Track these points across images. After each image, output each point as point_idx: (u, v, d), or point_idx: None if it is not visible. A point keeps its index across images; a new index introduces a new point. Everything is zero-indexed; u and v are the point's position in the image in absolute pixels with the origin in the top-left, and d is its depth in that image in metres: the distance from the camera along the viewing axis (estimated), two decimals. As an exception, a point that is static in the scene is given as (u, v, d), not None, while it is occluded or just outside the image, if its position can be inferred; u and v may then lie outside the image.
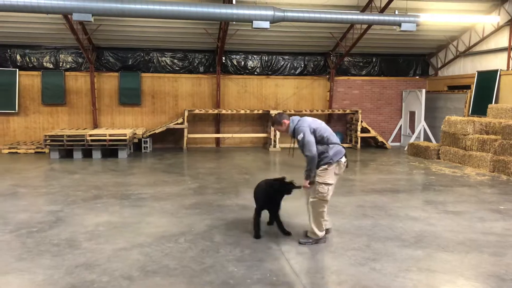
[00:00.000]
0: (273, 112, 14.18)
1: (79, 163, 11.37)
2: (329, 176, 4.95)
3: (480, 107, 12.95)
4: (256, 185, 5.79)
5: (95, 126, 14.24)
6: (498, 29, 12.62)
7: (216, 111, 14.40)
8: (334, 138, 5.06)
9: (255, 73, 15.24)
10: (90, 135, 12.06)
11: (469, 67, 14.11)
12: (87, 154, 12.27)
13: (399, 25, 10.54)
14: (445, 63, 15.28)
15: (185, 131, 14.04)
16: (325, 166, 4.94)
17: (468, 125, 11.36)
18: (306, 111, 14.90)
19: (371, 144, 15.53)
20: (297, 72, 15.50)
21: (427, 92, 15.34)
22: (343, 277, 4.26)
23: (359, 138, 14.83)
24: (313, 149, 4.89)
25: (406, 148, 14.08)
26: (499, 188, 8.56)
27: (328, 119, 15.81)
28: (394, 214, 6.61)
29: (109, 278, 4.18)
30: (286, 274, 4.32)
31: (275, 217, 5.51)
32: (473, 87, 13.52)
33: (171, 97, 14.83)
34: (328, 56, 15.38)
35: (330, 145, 4.96)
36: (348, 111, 15.12)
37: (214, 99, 14.90)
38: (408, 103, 15.92)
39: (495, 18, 12.07)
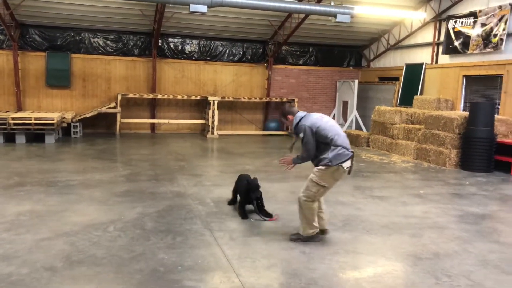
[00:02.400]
0: (212, 99, 14.08)
1: (0, 148, 10.57)
2: (324, 178, 4.67)
3: (407, 98, 13.72)
4: (238, 179, 6.18)
5: (19, 109, 13.30)
6: (424, 24, 13.39)
7: (151, 96, 14.02)
8: (340, 139, 4.68)
9: (193, 58, 14.99)
10: (13, 119, 11.24)
11: (398, 60, 14.87)
12: (10, 139, 11.44)
13: (335, 16, 10.82)
14: (376, 55, 15.97)
15: (118, 115, 13.55)
16: (323, 168, 4.65)
17: (396, 115, 12.01)
18: (244, 98, 14.96)
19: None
20: (236, 59, 15.45)
21: (359, 82, 15.97)
22: (273, 261, 4.35)
23: (295, 126, 15.11)
24: (311, 151, 4.69)
25: (339, 136, 14.59)
26: (420, 174, 9.17)
27: (266, 107, 15.99)
28: (325, 199, 6.82)
29: (29, 270, 3.94)
30: (218, 259, 4.34)
31: (256, 206, 5.78)
32: (401, 79, 14.29)
33: (104, 80, 14.19)
34: (267, 44, 15.48)
35: (332, 147, 4.62)
36: (285, 100, 15.38)
37: (149, 83, 14.47)
38: (342, 93, 16.49)
39: (422, 14, 12.78)
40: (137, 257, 4.30)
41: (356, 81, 15.62)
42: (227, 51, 15.31)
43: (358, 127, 15.51)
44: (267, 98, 15.38)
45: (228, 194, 6.49)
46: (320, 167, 4.67)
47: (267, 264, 4.28)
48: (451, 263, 4.40)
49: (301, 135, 4.72)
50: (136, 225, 5.27)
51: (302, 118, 4.81)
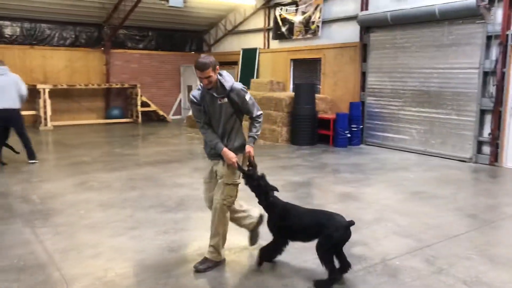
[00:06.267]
0: (42, 87, 12.83)
1: None
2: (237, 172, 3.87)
3: (245, 81, 14.49)
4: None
5: None
6: (256, 11, 14.27)
7: (-35, 86, 12.13)
8: None
9: (16, 42, 13.40)
10: None
11: (236, 45, 15.58)
12: None
13: (167, 0, 10.81)
14: (216, 40, 16.48)
15: None
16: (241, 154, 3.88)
17: (234, 97, 12.64)
18: (80, 85, 14.01)
19: (153, 119, 15.71)
20: (67, 43, 14.31)
21: (202, 67, 16.25)
22: (100, 249, 4.30)
23: (139, 113, 14.82)
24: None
25: (185, 121, 14.80)
26: (256, 151, 9.79)
27: (107, 94, 15.25)
28: (162, 183, 6.94)
29: None
30: (38, 256, 4.11)
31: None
32: (239, 63, 15.06)
33: None
34: (102, 28, 14.68)
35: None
36: (126, 85, 14.88)
37: (-39, 71, 12.48)
38: (186, 77, 16.65)
39: (252, 1, 13.56)
40: None
41: (198, 65, 15.88)
42: (57, 35, 14.06)
43: (203, 111, 15.87)
44: (107, 84, 14.67)
45: (59, 188, 6.09)
46: (239, 154, 3.87)
47: (93, 253, 4.21)
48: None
49: (248, 96, 3.82)
50: None
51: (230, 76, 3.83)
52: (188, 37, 16.89)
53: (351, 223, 3.59)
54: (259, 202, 3.89)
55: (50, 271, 3.80)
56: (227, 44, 16.10)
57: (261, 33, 14.28)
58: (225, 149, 3.76)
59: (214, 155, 3.87)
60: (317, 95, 11.22)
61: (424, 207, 5.85)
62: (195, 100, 3.83)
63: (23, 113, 13.23)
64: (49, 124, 13.02)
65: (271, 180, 6.80)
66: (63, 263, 3.96)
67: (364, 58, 10.86)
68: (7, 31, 13.23)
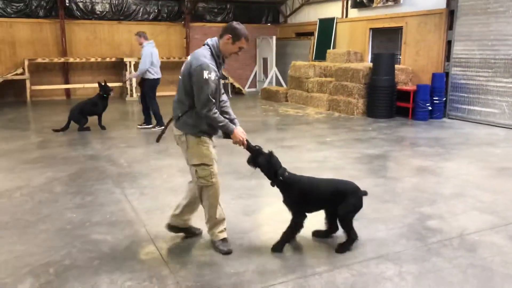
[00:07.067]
0: (128, 60, 13.67)
1: None
2: None
3: (321, 52, 14.25)
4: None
5: None
6: (334, -21, 13.82)
7: (62, 60, 13.33)
8: None
9: (105, 18, 14.33)
10: None
11: (312, 15, 15.27)
12: None
13: (244, -29, 10.84)
14: (292, 10, 16.27)
15: (27, 82, 12.79)
16: None
17: (310, 69, 12.53)
18: (162, 58, 14.66)
19: (229, 91, 16.07)
20: (151, 18, 15.01)
21: (278, 39, 16.26)
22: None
23: (216, 85, 15.23)
24: None
25: (260, 93, 14.99)
26: (330, 124, 9.82)
27: (186, 67, 15.82)
28: (237, 151, 7.12)
29: None
30: (127, 214, 4.53)
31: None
32: (316, 34, 14.78)
33: (7, 45, 13.19)
34: (182, 2, 15.14)
35: None
36: (205, 58, 15.30)
37: (59, 46, 13.70)
38: (261, 49, 16.72)
39: (331, -31, 13.15)
40: (43, 219, 4.36)
41: (274, 37, 15.88)
42: (141, 10, 14.79)
43: (278, 83, 15.94)
44: (187, 57, 15.22)
45: (144, 153, 6.57)
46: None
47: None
48: (340, 197, 4.94)
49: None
50: (44, 189, 5.26)
51: None
52: (265, 9, 16.84)
53: (365, 193, 3.76)
54: (273, 183, 3.67)
55: (137, 227, 4.18)
56: (304, 15, 15.83)
57: (339, 2, 13.83)
58: (237, 128, 3.51)
59: (212, 135, 3.68)
60: (397, 66, 10.73)
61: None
62: (218, 74, 3.31)
63: (114, 84, 14.32)
64: (134, 95, 13.91)
65: (346, 152, 6.78)
66: (149, 221, 4.33)
67: (450, 26, 10.12)
68: (98, 8, 14.18)
